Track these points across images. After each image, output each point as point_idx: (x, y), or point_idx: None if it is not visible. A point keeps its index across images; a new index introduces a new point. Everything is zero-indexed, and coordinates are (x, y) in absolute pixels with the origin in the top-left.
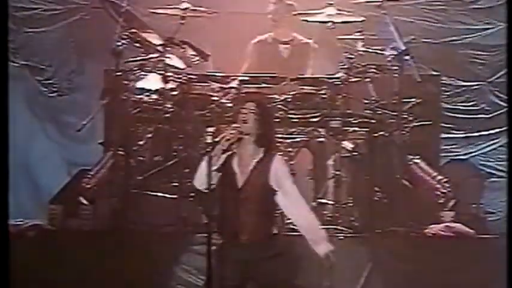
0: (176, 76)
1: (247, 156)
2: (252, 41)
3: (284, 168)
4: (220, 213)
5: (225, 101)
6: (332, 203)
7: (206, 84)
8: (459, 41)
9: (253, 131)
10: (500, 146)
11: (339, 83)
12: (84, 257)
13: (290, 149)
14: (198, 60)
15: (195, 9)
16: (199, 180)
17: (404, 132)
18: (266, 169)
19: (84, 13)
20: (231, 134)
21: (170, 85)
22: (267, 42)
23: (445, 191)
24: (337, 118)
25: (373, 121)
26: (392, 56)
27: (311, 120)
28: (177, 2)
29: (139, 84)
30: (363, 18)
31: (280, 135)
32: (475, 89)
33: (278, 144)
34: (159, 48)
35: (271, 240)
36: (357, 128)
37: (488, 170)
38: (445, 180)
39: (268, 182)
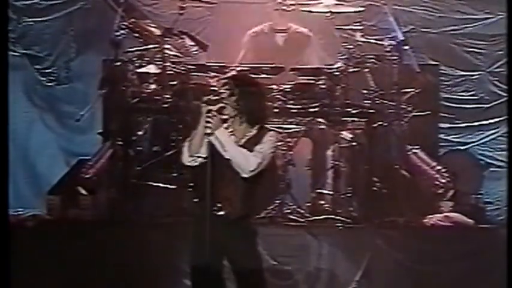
0: (175, 66)
1: (239, 135)
2: (248, 32)
3: (268, 143)
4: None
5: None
6: (331, 193)
7: (205, 74)
8: (458, 31)
9: (243, 110)
10: (499, 136)
11: (338, 73)
12: (83, 247)
13: (289, 139)
14: (197, 50)
15: (194, 0)
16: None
17: (403, 122)
18: (254, 145)
19: (84, 3)
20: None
21: (169, 75)
22: (263, 32)
23: (444, 181)
24: (336, 108)
25: (372, 111)
26: (391, 46)
27: (310, 110)
28: None
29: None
30: (362, 8)
31: (279, 126)
32: (475, 78)
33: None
34: (158, 38)
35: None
36: (355, 118)
37: (487, 160)
38: (444, 170)
39: None
